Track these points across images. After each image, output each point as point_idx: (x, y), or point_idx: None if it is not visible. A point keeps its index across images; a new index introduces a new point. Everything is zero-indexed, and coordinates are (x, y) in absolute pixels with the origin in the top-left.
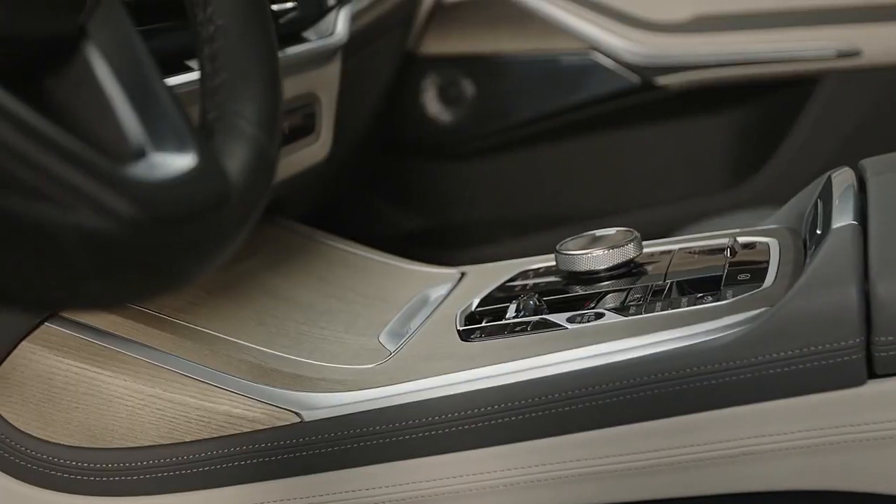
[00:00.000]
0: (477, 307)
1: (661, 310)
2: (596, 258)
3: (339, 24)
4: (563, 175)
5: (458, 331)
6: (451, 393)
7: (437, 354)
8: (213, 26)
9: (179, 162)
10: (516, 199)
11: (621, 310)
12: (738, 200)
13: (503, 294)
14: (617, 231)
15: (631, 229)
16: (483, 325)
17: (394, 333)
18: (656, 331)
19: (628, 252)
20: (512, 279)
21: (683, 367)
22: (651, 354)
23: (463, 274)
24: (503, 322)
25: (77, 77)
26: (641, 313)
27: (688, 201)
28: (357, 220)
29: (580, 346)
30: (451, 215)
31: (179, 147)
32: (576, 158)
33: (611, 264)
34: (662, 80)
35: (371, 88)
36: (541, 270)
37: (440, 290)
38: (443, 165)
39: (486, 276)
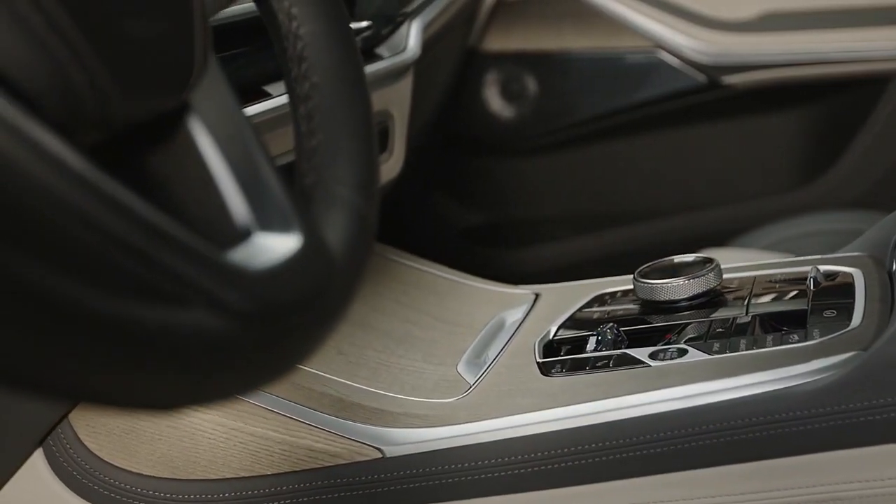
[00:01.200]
0: (555, 336)
1: (746, 348)
2: (676, 288)
3: (411, 39)
4: (626, 173)
5: (538, 363)
6: (534, 433)
7: (518, 390)
8: (308, 84)
9: (285, 243)
10: (577, 196)
11: (704, 346)
12: (806, 201)
13: (580, 321)
14: (695, 258)
15: (710, 257)
16: (563, 357)
17: (472, 363)
18: (743, 373)
19: (709, 282)
20: (588, 304)
21: (772, 412)
22: (738, 399)
23: (537, 295)
24: (584, 356)
25: (180, 153)
26: (726, 351)
27: (753, 201)
28: (416, 216)
29: (665, 387)
30: (512, 212)
31: (284, 226)
32: (639, 156)
33: (691, 294)
34: (729, 80)
35: (435, 87)
36: (617, 295)
37: (515, 314)
38: (504, 162)
39: (561, 300)
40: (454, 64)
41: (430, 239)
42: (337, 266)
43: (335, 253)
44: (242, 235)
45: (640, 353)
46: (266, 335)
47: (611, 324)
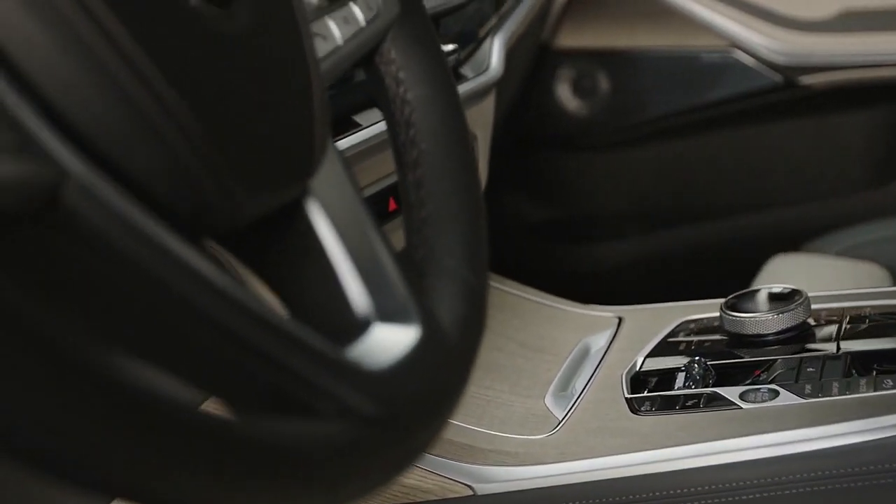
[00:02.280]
0: (641, 367)
1: (839, 392)
2: (764, 322)
3: (494, 58)
4: (697, 171)
5: (626, 399)
6: (624, 475)
7: (607, 428)
8: (416, 150)
9: (405, 336)
10: (648, 193)
11: (795, 387)
12: (881, 204)
13: (666, 351)
14: (783, 289)
15: (800, 290)
16: (652, 394)
17: (559, 395)
18: (836, 420)
19: (798, 316)
20: (673, 332)
21: (866, 462)
22: (831, 448)
23: (620, 319)
24: (673, 393)
25: (300, 239)
26: (818, 395)
27: (827, 202)
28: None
29: (757, 433)
30: (580, 208)
31: (403, 317)
32: (711, 155)
33: (779, 329)
34: (806, 80)
35: (509, 88)
36: (703, 323)
37: (600, 340)
38: (573, 157)
39: (645, 325)
40: (527, 62)
41: (499, 235)
42: (454, 352)
43: (451, 338)
44: (363, 327)
45: (731, 392)
46: (391, 437)
47: (699, 358)
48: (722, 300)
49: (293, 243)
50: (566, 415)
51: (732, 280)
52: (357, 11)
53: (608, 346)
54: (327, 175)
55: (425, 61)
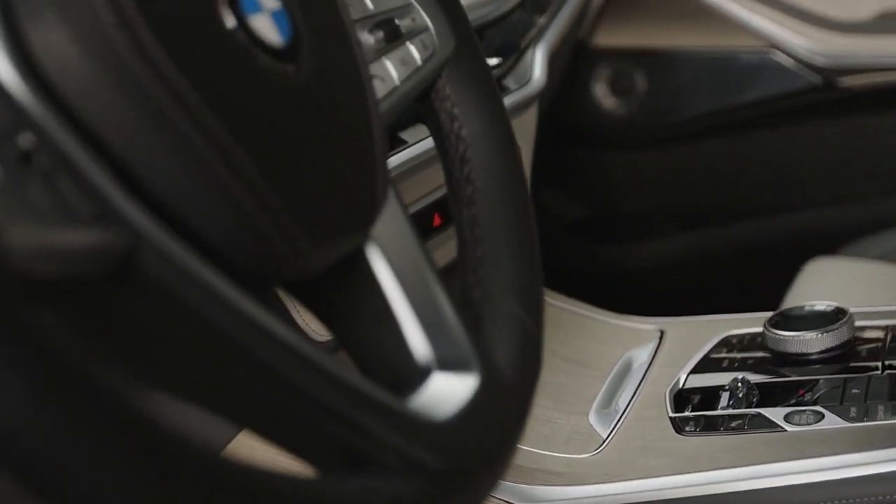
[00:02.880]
0: (685, 384)
1: (884, 416)
2: (808, 341)
3: (536, 69)
4: (733, 172)
5: (671, 418)
6: (669, 497)
7: (652, 448)
8: (470, 187)
9: (466, 384)
10: (683, 193)
11: (840, 409)
12: None
13: (709, 367)
14: (827, 307)
15: (843, 307)
16: (696, 414)
17: (602, 413)
18: (882, 446)
19: (842, 335)
20: (716, 348)
21: None
22: (877, 474)
23: (662, 332)
24: (717, 414)
25: (361, 286)
26: (864, 418)
27: (865, 204)
28: None
29: (801, 457)
30: (616, 206)
31: (464, 365)
32: (748, 155)
33: (823, 348)
34: (845, 82)
35: (549, 89)
36: (745, 340)
37: (642, 355)
38: (609, 156)
39: (688, 339)
40: (565, 62)
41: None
42: (512, 397)
43: (509, 382)
44: (424, 375)
45: (775, 414)
46: (456, 487)
47: (742, 377)
48: (764, 314)
49: (355, 290)
50: (610, 433)
51: (769, 281)
52: (414, 51)
53: (650, 361)
54: (387, 220)
55: (480, 98)
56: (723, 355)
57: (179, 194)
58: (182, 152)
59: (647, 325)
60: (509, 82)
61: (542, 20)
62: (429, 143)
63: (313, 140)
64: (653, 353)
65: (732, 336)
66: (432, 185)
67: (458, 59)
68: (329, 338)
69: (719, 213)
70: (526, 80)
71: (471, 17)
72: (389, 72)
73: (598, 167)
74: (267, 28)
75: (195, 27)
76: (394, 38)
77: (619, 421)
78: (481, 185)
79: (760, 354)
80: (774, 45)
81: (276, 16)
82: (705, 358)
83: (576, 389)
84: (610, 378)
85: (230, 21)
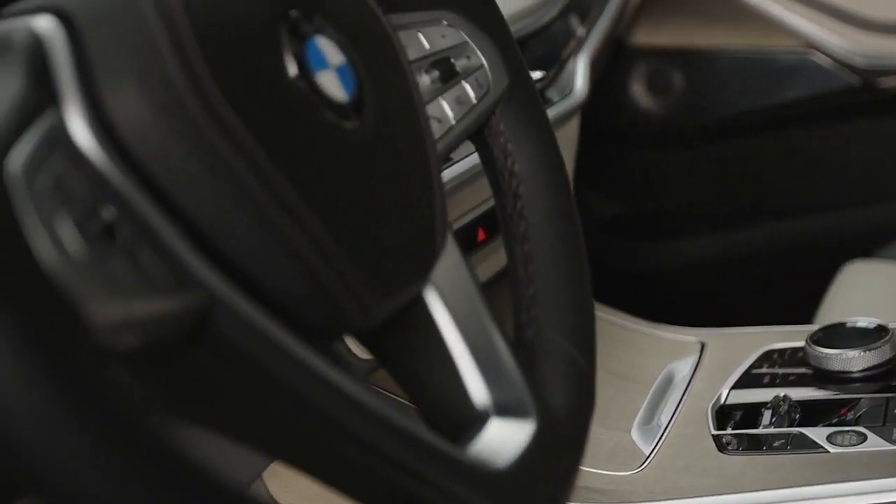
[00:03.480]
0: (726, 400)
1: None
2: (850, 360)
3: (579, 80)
4: (770, 172)
5: (713, 436)
6: None
7: (695, 467)
8: (524, 223)
9: (523, 430)
10: (719, 192)
11: (883, 431)
12: None
13: (751, 383)
14: (869, 323)
15: (885, 325)
16: (739, 433)
17: (645, 429)
18: None
19: (884, 353)
20: (757, 363)
21: None
22: None
23: (703, 345)
24: (760, 433)
25: (421, 332)
26: None
27: None
28: None
29: (844, 480)
30: (650, 204)
31: (521, 410)
32: (785, 155)
33: (866, 366)
34: (885, 82)
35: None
36: (786, 355)
37: (683, 368)
38: (645, 154)
39: (729, 352)
40: (603, 62)
41: None
42: (568, 439)
43: (564, 425)
44: (482, 421)
45: (818, 434)
46: None
47: (784, 394)
48: (804, 328)
49: (414, 334)
50: (653, 450)
51: (805, 281)
52: (469, 90)
53: (692, 375)
54: (446, 264)
55: (533, 134)
56: (764, 370)
57: (249, 254)
58: (252, 215)
59: (688, 337)
60: (552, 94)
61: (581, 30)
62: (474, 159)
63: (375, 193)
64: (694, 366)
65: (773, 350)
66: (477, 200)
67: (512, 96)
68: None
69: (755, 212)
70: (568, 91)
71: (512, 28)
72: (446, 112)
73: (633, 165)
74: (332, 85)
75: (265, 90)
76: (449, 77)
77: (661, 437)
78: (534, 221)
79: (802, 371)
80: (813, 46)
81: (340, 71)
82: (747, 373)
83: (619, 403)
84: (652, 392)
85: (298, 81)
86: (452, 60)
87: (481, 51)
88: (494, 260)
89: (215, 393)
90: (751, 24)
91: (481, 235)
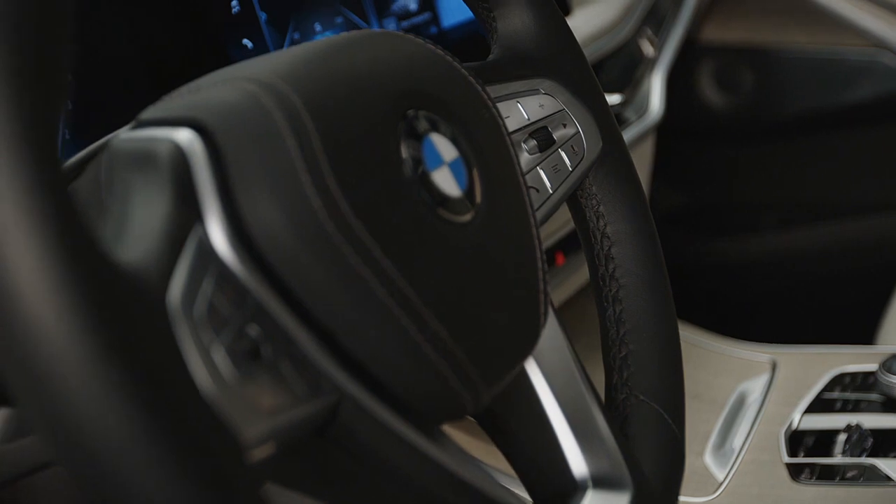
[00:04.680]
0: (799, 425)
1: None
2: None
3: (655, 99)
4: (835, 169)
5: (786, 464)
6: None
7: (768, 496)
8: (616, 285)
9: (618, 502)
10: (785, 188)
11: None
12: None
13: (822, 408)
14: None
15: None
16: (811, 461)
17: (718, 453)
18: None
19: None
20: (829, 387)
21: None
22: None
23: (775, 364)
24: (832, 463)
25: (522, 403)
26: None
27: None
28: None
29: None
30: (712, 198)
31: (618, 482)
32: (851, 153)
33: None
34: None
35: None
36: (858, 380)
37: (755, 389)
38: (711, 149)
39: (800, 374)
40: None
41: None
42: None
43: (657, 492)
44: (581, 491)
45: (890, 467)
46: None
47: (856, 423)
48: (876, 349)
49: (516, 406)
50: (727, 477)
51: (869, 280)
52: (565, 157)
53: (764, 398)
54: (546, 336)
55: (625, 196)
56: (836, 396)
57: (372, 352)
58: (376, 317)
59: (759, 355)
60: (629, 113)
61: (653, 51)
62: None
63: (485, 280)
64: (766, 387)
65: (845, 374)
66: (557, 225)
67: (604, 159)
68: None
69: (819, 209)
70: (644, 111)
71: (586, 52)
72: (544, 181)
73: (698, 159)
74: (447, 181)
75: (385, 194)
76: (547, 146)
77: (734, 463)
78: (626, 282)
79: (874, 397)
80: (883, 46)
81: (453, 166)
82: (818, 398)
83: (692, 425)
84: (724, 414)
85: (415, 181)
86: (550, 129)
87: (576, 118)
88: (573, 280)
89: (338, 479)
90: (821, 23)
91: (560, 260)
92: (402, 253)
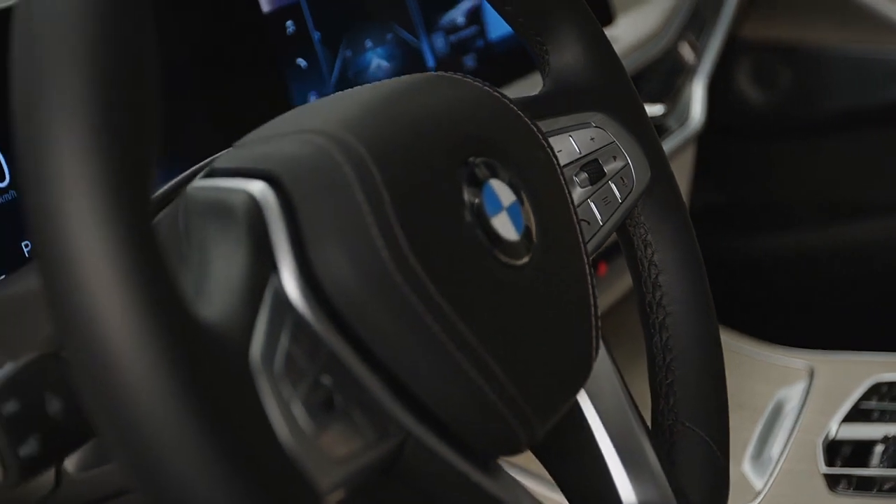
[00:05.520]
0: (836, 435)
1: None
2: None
3: (696, 107)
4: (871, 169)
5: (824, 475)
6: None
7: None
8: (663, 312)
9: None
10: (821, 187)
11: None
12: None
13: (860, 417)
14: None
15: None
16: (848, 472)
17: (756, 462)
18: None
19: None
20: (867, 396)
21: None
22: None
23: (812, 371)
24: (870, 474)
25: (574, 434)
26: None
27: None
28: None
29: None
30: (754, 196)
31: None
32: (887, 153)
33: None
34: None
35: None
36: None
37: (793, 398)
38: (750, 146)
39: (838, 381)
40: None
41: None
42: None
43: None
44: None
45: None
46: None
47: (894, 435)
48: None
49: (567, 434)
50: (764, 486)
51: None
52: (615, 189)
53: (802, 406)
54: (597, 368)
55: (672, 225)
56: (873, 405)
57: (435, 393)
58: (439, 360)
59: (797, 361)
60: (670, 122)
61: (694, 57)
62: None
63: (540, 319)
64: (803, 395)
65: (882, 383)
66: None
67: (653, 189)
68: None
69: (856, 208)
70: (685, 119)
71: (625, 63)
72: (594, 214)
73: (735, 156)
74: (505, 227)
75: (447, 240)
76: (597, 178)
77: (772, 473)
78: (673, 310)
79: None
80: None
81: (511, 210)
82: (855, 408)
83: (732, 433)
84: (763, 422)
85: (475, 227)
86: (601, 162)
87: (626, 149)
88: (615, 287)
89: None
90: (860, 22)
91: (602, 270)
92: (462, 297)
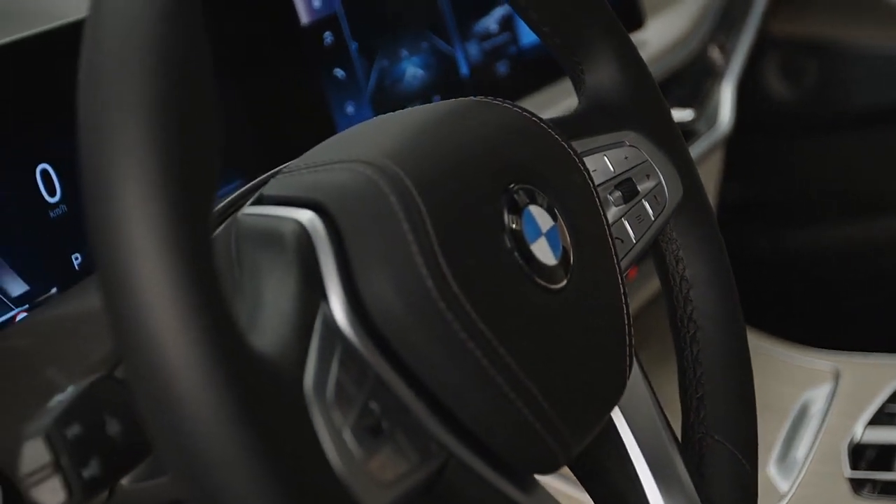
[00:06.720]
0: (861, 438)
1: None
2: None
3: (725, 110)
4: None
5: (848, 478)
6: None
7: None
8: (694, 327)
9: None
10: (848, 181)
11: None
12: None
13: (885, 420)
14: None
15: None
16: (873, 475)
17: (781, 464)
18: None
19: None
20: (892, 399)
21: None
22: None
23: (838, 373)
24: (895, 479)
25: (606, 447)
26: None
27: None
28: None
29: None
30: (773, 190)
31: None
32: None
33: None
34: None
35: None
36: None
37: (818, 399)
38: (775, 141)
39: (863, 384)
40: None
41: None
42: None
43: None
44: None
45: None
46: None
47: None
48: None
49: (601, 449)
50: (790, 489)
51: None
52: (648, 208)
53: (827, 409)
54: (630, 383)
55: (703, 241)
56: None
57: (475, 415)
58: (480, 384)
59: (822, 364)
60: (699, 126)
61: (722, 60)
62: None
63: (577, 341)
64: (829, 397)
65: None
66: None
67: (684, 206)
68: None
69: (882, 202)
70: (713, 122)
71: (655, 68)
72: (628, 232)
73: (761, 150)
74: (544, 252)
75: (488, 267)
76: (631, 196)
77: (797, 475)
78: (704, 325)
79: None
80: None
81: (549, 235)
82: (881, 411)
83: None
84: (788, 424)
85: (515, 253)
86: (634, 181)
87: (659, 168)
88: (644, 290)
89: None
90: (888, 19)
91: (632, 274)
92: (502, 323)
